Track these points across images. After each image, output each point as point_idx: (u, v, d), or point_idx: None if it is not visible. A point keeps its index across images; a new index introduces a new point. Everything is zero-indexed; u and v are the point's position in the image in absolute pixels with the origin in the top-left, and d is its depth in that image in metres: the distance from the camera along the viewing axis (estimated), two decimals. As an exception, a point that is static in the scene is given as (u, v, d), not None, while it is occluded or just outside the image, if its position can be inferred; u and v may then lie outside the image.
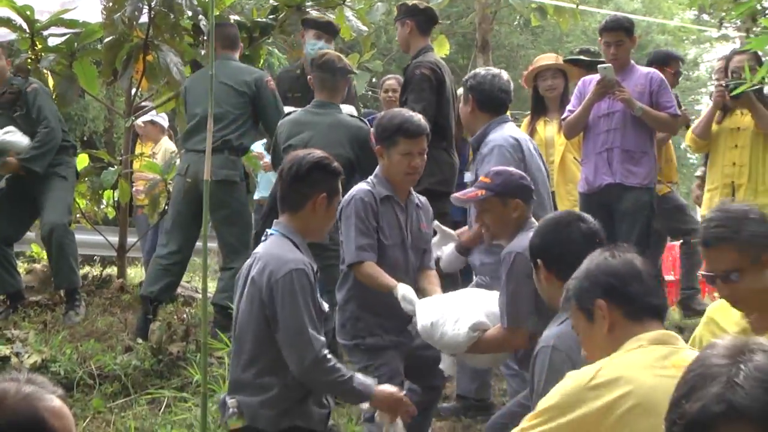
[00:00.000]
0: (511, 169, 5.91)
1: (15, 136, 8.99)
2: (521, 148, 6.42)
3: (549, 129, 8.93)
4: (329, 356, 4.90)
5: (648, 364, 3.58)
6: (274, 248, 5.07)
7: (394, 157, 6.03)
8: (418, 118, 6.17)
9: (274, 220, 5.32)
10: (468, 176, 7.11)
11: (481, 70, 7.06)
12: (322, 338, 4.92)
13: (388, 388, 5.16)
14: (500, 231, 5.71)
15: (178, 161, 9.21)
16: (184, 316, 8.35)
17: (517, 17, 19.98)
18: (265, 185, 9.83)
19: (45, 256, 10.55)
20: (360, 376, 5.06)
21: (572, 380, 3.58)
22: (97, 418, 7.22)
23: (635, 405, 3.43)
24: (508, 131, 6.55)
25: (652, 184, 7.98)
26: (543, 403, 3.63)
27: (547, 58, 9.37)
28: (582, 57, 9.14)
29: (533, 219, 5.63)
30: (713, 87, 8.18)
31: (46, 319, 8.82)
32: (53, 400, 2.72)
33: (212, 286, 8.75)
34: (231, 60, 8.68)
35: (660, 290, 3.96)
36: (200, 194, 7.70)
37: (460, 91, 7.26)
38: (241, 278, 5.21)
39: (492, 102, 6.67)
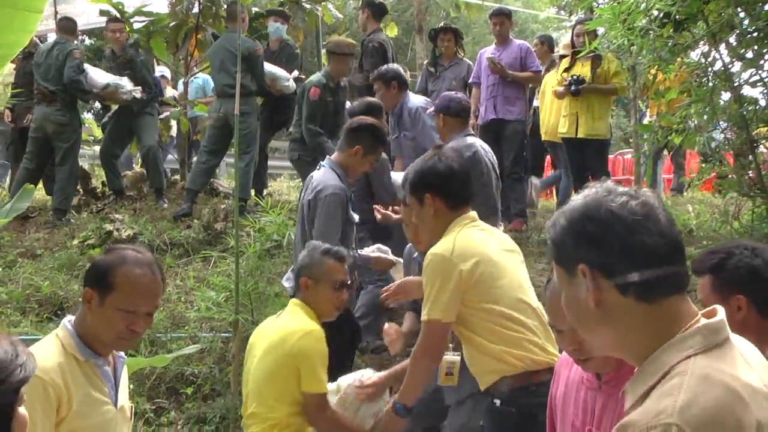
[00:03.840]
0: (451, 94, 5.89)
1: (128, 84, 8.85)
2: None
3: None
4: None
5: (482, 238, 3.44)
6: (324, 174, 4.87)
7: None
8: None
9: (327, 156, 5.12)
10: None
11: (392, 67, 7.00)
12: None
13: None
14: (440, 135, 5.68)
15: None
16: (224, 205, 8.30)
17: (442, 10, 19.77)
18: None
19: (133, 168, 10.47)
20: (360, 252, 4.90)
21: (438, 256, 3.34)
22: (168, 271, 7.20)
23: (484, 269, 3.29)
24: (417, 99, 6.73)
25: (524, 118, 7.97)
26: (427, 285, 3.34)
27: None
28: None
29: None
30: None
31: (136, 207, 8.76)
32: (135, 269, 2.59)
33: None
34: (233, 32, 8.34)
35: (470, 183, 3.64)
36: (228, 123, 7.91)
37: None
38: (303, 189, 5.10)
39: (405, 83, 6.73)
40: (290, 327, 3.68)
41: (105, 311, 2.57)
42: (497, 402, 3.26)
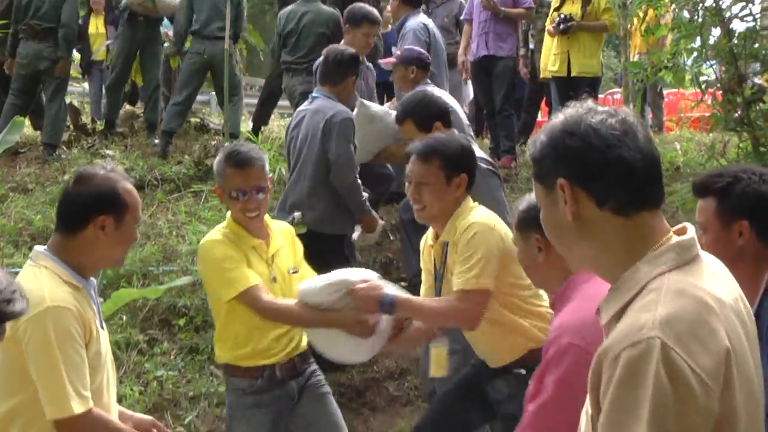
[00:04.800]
0: (415, 48, 5.84)
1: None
2: (428, 31, 6.33)
3: None
4: (359, 183, 4.86)
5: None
6: (327, 103, 4.91)
7: (357, 35, 5.80)
8: (377, 12, 6.08)
9: (314, 89, 5.12)
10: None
11: None
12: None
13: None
14: (405, 88, 5.51)
15: None
16: (214, 141, 8.27)
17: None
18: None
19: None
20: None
21: (485, 227, 3.27)
22: (160, 206, 7.23)
23: (510, 244, 3.14)
24: (421, 19, 6.47)
25: (515, 55, 7.90)
26: (474, 254, 3.21)
27: None
28: None
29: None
30: None
31: (127, 143, 8.73)
32: (127, 184, 2.73)
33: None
34: None
35: None
36: (208, 65, 8.11)
37: None
38: (296, 122, 5.05)
39: None
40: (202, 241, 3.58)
41: (122, 230, 2.67)
42: (522, 371, 3.16)
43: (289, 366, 3.52)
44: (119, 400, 2.93)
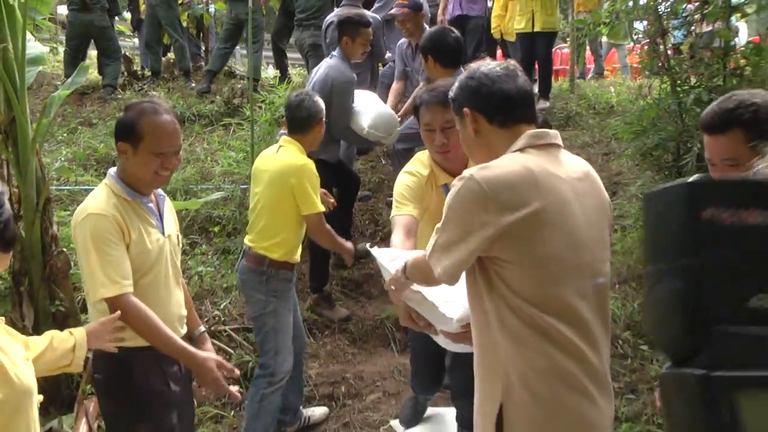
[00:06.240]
0: None
1: None
2: None
3: None
4: (350, 128, 4.88)
5: None
6: (338, 64, 4.85)
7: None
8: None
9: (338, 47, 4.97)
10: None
11: None
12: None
13: None
14: (415, 32, 5.30)
15: None
16: (240, 84, 8.23)
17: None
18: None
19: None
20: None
21: None
22: (197, 137, 7.30)
23: None
24: None
25: (484, 14, 7.80)
26: None
27: None
28: None
29: None
30: None
31: (169, 86, 8.73)
32: (156, 116, 2.51)
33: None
34: None
35: None
36: (239, 21, 8.04)
37: None
38: (317, 69, 4.98)
39: None
40: (287, 161, 3.68)
41: (140, 157, 2.54)
42: None
43: None
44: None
